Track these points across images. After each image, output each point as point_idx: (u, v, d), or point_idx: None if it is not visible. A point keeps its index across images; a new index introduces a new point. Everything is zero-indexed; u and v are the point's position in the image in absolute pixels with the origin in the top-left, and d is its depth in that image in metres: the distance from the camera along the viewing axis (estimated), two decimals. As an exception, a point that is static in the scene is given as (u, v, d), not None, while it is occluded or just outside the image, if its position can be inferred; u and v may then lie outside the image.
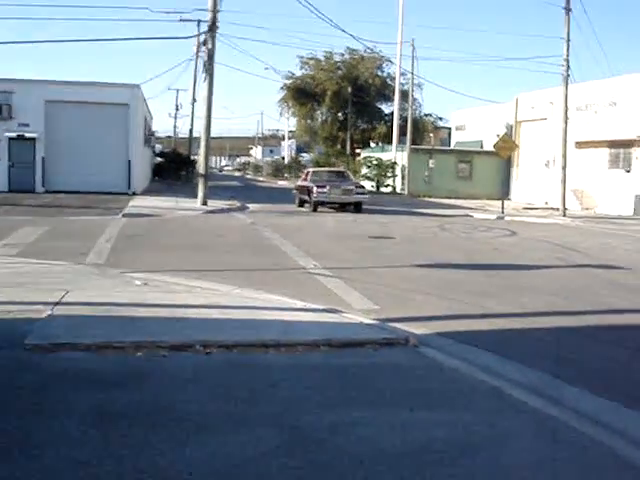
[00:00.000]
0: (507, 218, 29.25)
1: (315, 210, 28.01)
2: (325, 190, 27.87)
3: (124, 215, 22.02)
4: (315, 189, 27.86)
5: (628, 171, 36.25)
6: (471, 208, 33.96)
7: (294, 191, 32.67)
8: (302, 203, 30.12)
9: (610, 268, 14.51)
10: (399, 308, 9.40)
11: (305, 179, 30.76)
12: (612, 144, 37.10)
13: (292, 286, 10.76)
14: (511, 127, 46.51)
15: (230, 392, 5.51)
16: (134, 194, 31.25)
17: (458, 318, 9.00)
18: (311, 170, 33.67)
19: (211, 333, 7.11)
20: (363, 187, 31.00)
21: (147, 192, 34.35)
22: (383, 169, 47.80)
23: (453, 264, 14.07)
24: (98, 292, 9.16)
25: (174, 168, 51.44)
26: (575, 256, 16.54)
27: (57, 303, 8.17)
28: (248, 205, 29.32)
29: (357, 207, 28.64)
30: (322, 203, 28.43)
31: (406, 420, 5.09)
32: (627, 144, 35.98)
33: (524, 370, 6.77)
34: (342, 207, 28.82)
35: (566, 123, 31.84)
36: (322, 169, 36.83)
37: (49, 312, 7.70)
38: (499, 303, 10.08)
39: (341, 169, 37.57)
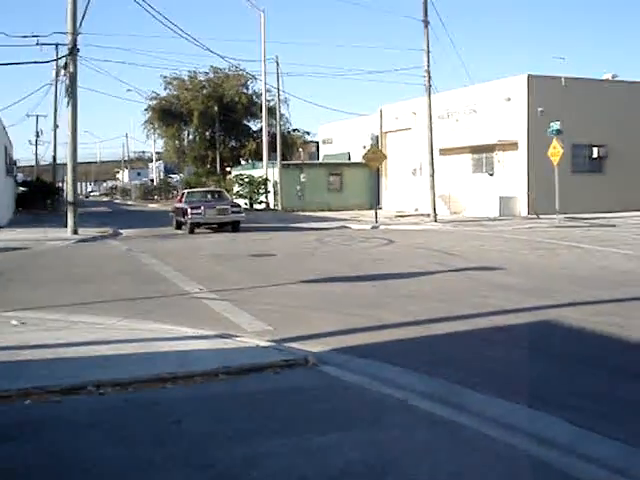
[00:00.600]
0: (382, 227, 29.81)
1: (192, 232, 27.48)
2: (200, 211, 27.48)
3: (-11, 250, 20.81)
4: (189, 210, 27.42)
5: (491, 174, 37.86)
6: (346, 219, 34.42)
7: (170, 213, 32.05)
8: (179, 225, 29.49)
9: (487, 270, 14.98)
10: (293, 327, 9.27)
11: (180, 200, 30.19)
12: (475, 149, 38.67)
13: (180, 313, 10.43)
14: (377, 138, 47.65)
15: (133, 434, 5.20)
16: (-2, 227, 29.67)
17: (353, 332, 8.97)
18: (186, 191, 33.10)
19: (103, 372, 6.74)
20: (239, 206, 30.72)
21: (12, 224, 32.72)
22: (255, 186, 47.74)
23: (339, 277, 14.12)
24: (-28, 337, 8.53)
25: (39, 197, 49.36)
26: (453, 260, 16.99)
27: None
28: (121, 231, 28.44)
29: (234, 226, 28.33)
30: (198, 224, 27.93)
31: (320, 445, 4.96)
32: (489, 149, 37.60)
33: (426, 380, 6.81)
34: (220, 227, 28.49)
35: (431, 132, 32.86)
36: (197, 189, 36.19)
37: None
38: (390, 313, 10.15)
39: (217, 189, 37.10)
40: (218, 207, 28.27)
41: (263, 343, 8.16)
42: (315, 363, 7.25)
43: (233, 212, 28.40)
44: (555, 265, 16.16)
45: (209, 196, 31.22)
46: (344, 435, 5.19)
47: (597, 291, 12.14)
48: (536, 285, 12.91)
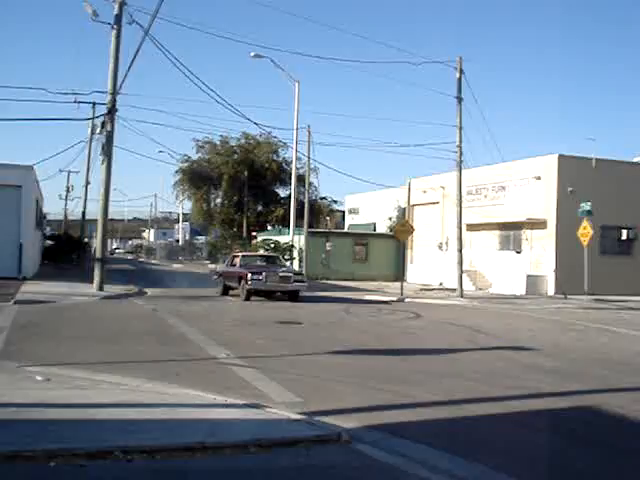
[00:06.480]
0: (407, 300, 29.50)
1: (248, 299, 25.63)
2: (261, 277, 25.60)
3: (16, 302, 20.76)
4: (250, 275, 25.55)
5: (519, 252, 37.57)
6: (371, 290, 34.17)
7: (215, 277, 30.45)
8: (226, 290, 28.05)
9: (520, 350, 14.65)
10: (323, 399, 9.01)
11: (232, 264, 28.76)
12: (502, 226, 38.50)
13: (206, 378, 10.20)
14: (404, 210, 47.70)
15: (162, 507, 4.98)
16: (25, 279, 29.67)
17: (385, 409, 8.70)
18: (241, 254, 30.73)
19: (130, 437, 6.53)
20: (302, 274, 29.16)
21: (38, 277, 32.79)
22: (280, 252, 47.65)
23: (367, 350, 13.84)
24: (-3, 391, 8.38)
25: (65, 251, 49.78)
26: (483, 338, 16.66)
27: (-48, 406, 7.38)
28: (146, 290, 28.35)
29: (292, 296, 26.35)
30: (257, 291, 26.13)
31: (359, 530, 4.71)
32: (517, 226, 37.39)
33: (464, 464, 6.53)
34: (272, 295, 26.65)
35: (460, 207, 32.83)
36: (253, 253, 34.51)
37: (-57, 418, 6.93)
38: (422, 390, 9.86)
39: (272, 254, 35.19)
40: (281, 274, 26.28)
41: (294, 415, 7.91)
42: (348, 440, 7.00)
43: (296, 281, 26.54)
44: (588, 348, 15.76)
45: (265, 261, 29.51)
46: (383, 521, 4.93)
47: (635, 377, 11.80)
48: (570, 368, 12.56)
